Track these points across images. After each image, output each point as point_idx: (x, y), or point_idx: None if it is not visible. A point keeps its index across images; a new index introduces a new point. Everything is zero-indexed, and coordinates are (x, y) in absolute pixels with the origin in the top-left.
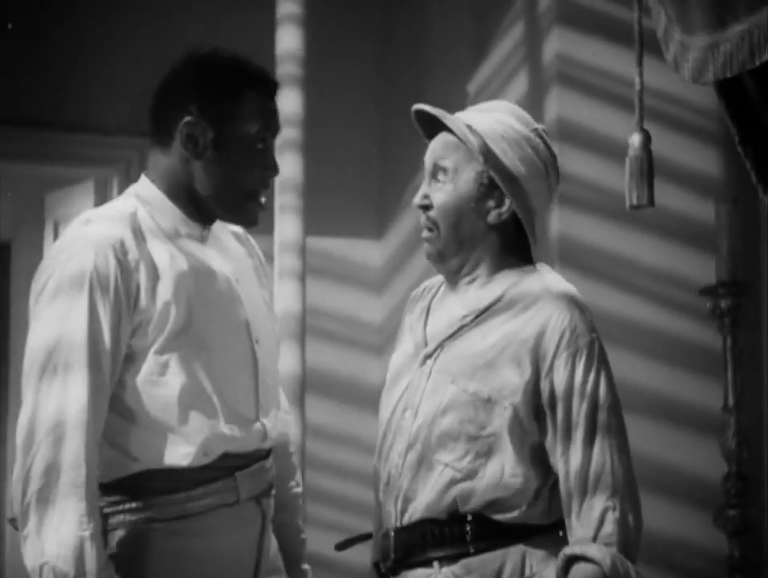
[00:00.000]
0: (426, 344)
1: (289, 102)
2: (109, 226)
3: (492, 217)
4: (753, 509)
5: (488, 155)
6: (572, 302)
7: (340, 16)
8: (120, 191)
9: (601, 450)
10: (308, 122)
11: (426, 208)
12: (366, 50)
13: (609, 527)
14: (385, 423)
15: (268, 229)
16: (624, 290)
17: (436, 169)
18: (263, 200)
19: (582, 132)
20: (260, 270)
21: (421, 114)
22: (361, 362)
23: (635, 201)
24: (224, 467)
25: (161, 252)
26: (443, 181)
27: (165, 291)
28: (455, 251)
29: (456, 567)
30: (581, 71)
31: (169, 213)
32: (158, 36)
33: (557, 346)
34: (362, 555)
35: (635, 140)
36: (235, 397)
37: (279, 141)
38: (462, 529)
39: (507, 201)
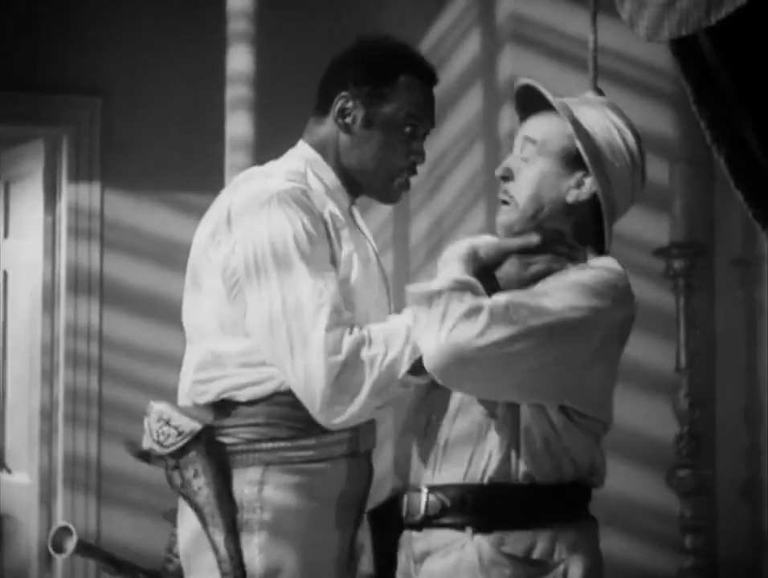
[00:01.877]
0: None
1: (239, 60)
2: (294, 181)
3: (571, 196)
4: (705, 469)
5: (578, 128)
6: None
7: None
8: (71, 150)
9: None
10: (260, 80)
11: (505, 179)
12: (320, 10)
13: None
14: None
15: (217, 190)
16: None
17: (524, 142)
18: (406, 181)
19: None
20: None
21: (519, 93)
22: None
23: None
24: None
25: (334, 211)
26: (529, 153)
27: (345, 248)
28: (528, 224)
29: (491, 537)
30: (534, 30)
31: (328, 177)
32: None
33: None
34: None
35: None
36: None
37: (228, 99)
38: (503, 499)
39: (587, 182)
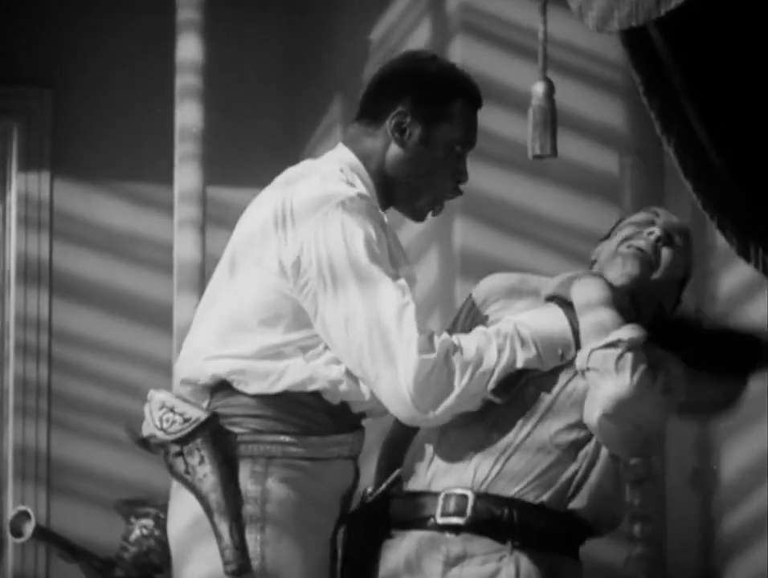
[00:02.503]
0: None
1: (188, 48)
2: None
3: (667, 299)
4: (654, 458)
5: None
6: None
7: None
8: (21, 141)
9: None
10: (209, 69)
11: (659, 240)
12: None
13: None
14: None
15: (168, 180)
16: (527, 241)
17: (682, 233)
18: (441, 205)
19: (486, 82)
20: None
21: None
22: None
23: (537, 151)
24: (351, 423)
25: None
26: (681, 247)
27: (399, 256)
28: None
29: (530, 555)
30: (485, 20)
31: (368, 186)
32: None
33: None
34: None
35: (539, 89)
36: None
37: (178, 89)
38: (550, 523)
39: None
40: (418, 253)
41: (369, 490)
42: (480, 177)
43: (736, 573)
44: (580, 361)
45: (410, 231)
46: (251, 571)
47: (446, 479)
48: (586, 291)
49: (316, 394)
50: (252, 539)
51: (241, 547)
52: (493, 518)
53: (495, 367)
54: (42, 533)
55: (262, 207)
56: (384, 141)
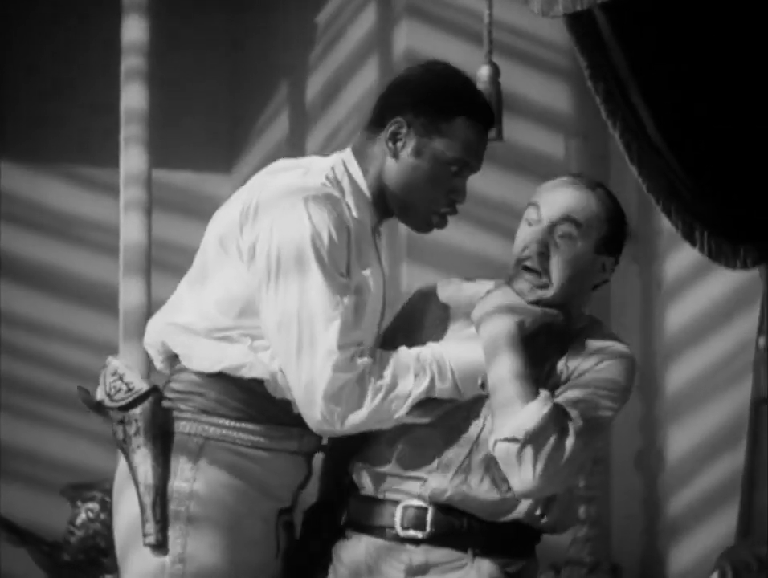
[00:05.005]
0: None
1: (133, 29)
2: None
3: (598, 278)
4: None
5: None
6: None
7: None
8: None
9: None
10: (154, 51)
11: (542, 255)
12: None
13: None
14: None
15: (114, 162)
16: (473, 224)
17: (562, 220)
18: (443, 218)
19: None
20: None
21: None
22: None
23: None
24: (299, 419)
25: (359, 223)
26: (569, 233)
27: (362, 263)
28: (559, 301)
29: (492, 560)
30: (430, 3)
31: (363, 192)
32: None
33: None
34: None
35: (484, 73)
36: None
37: (123, 71)
38: (512, 530)
39: (608, 265)
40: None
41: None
42: None
43: (680, 554)
44: (490, 446)
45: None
46: (167, 547)
47: (403, 485)
48: (494, 337)
49: (260, 383)
50: (181, 513)
51: (162, 521)
52: (453, 530)
53: (410, 393)
54: None
55: (245, 191)
56: (382, 149)
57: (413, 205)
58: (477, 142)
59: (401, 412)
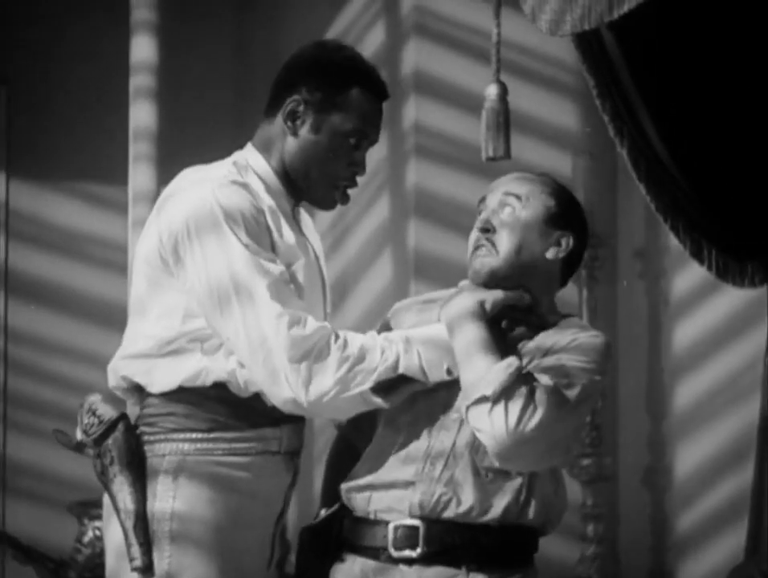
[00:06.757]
0: None
1: (143, 48)
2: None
3: (551, 253)
4: (607, 458)
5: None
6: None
7: None
8: None
9: None
10: (163, 69)
11: (486, 231)
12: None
13: None
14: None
15: (123, 180)
16: None
17: (505, 196)
18: (345, 193)
19: (439, 84)
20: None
21: None
22: None
23: (491, 153)
24: (273, 417)
25: (273, 207)
26: (512, 206)
27: (287, 240)
28: (510, 272)
29: (484, 576)
30: (438, 23)
31: (269, 178)
32: None
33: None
34: None
35: (492, 91)
36: None
37: (132, 88)
38: (507, 541)
39: (566, 241)
40: (372, 254)
41: (323, 512)
42: (435, 178)
43: (688, 571)
44: (463, 413)
45: (363, 233)
46: (152, 569)
47: (392, 498)
48: (456, 314)
49: (224, 388)
50: (164, 534)
51: (146, 544)
52: (446, 547)
53: (376, 367)
54: None
55: (154, 209)
56: (280, 129)
57: (315, 181)
58: (373, 112)
59: (365, 385)
